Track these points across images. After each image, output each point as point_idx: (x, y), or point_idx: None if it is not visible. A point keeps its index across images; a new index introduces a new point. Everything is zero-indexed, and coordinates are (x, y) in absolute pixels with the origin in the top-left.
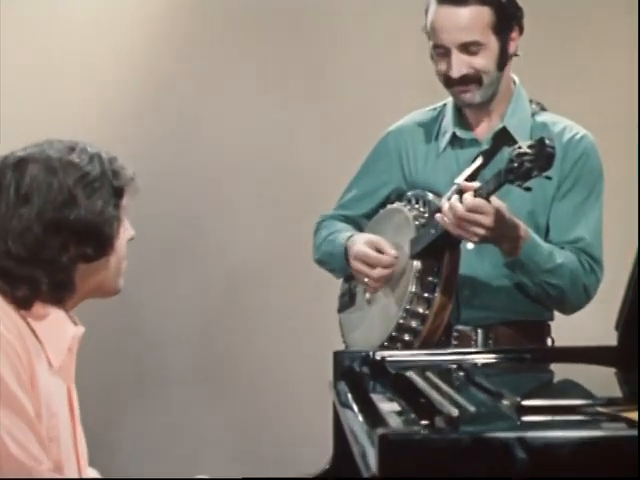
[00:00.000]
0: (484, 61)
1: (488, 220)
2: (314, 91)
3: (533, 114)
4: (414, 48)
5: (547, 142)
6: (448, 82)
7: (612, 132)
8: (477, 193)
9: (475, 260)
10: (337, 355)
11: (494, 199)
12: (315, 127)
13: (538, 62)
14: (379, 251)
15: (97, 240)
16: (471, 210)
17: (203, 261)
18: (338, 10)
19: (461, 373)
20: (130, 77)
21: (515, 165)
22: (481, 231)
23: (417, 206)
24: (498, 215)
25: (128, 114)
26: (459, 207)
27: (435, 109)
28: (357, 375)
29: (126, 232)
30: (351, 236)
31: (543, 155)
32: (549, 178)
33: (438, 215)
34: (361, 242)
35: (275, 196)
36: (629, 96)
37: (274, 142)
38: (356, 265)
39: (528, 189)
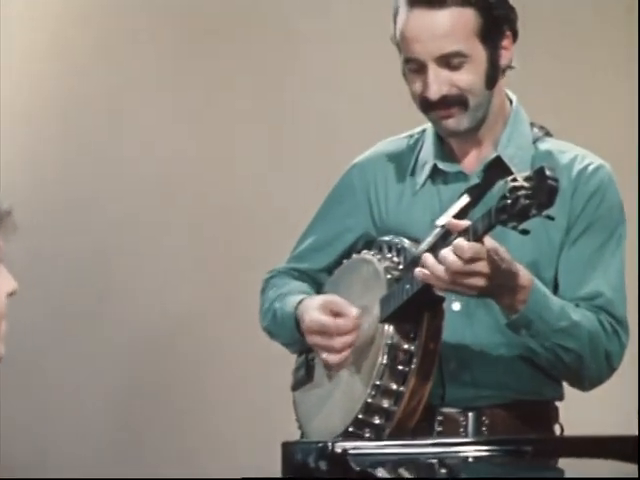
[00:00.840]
0: (469, 77)
1: (486, 267)
2: (262, 112)
3: (535, 141)
4: (387, 61)
5: (548, 173)
6: (425, 105)
7: (614, 163)
8: (465, 235)
9: (463, 323)
10: (287, 447)
11: (487, 240)
12: (263, 157)
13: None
14: (337, 314)
15: None
16: (473, 259)
17: (116, 325)
18: (293, 13)
19: (444, 470)
20: (38, 101)
21: (508, 202)
22: (481, 282)
23: (390, 255)
24: (492, 259)
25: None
26: (453, 259)
27: (411, 136)
28: (312, 473)
29: (5, 283)
30: (302, 301)
31: (543, 189)
32: (551, 218)
33: (418, 271)
34: (313, 308)
35: (212, 243)
36: (630, 121)
37: (211, 174)
38: (312, 340)
39: (525, 232)
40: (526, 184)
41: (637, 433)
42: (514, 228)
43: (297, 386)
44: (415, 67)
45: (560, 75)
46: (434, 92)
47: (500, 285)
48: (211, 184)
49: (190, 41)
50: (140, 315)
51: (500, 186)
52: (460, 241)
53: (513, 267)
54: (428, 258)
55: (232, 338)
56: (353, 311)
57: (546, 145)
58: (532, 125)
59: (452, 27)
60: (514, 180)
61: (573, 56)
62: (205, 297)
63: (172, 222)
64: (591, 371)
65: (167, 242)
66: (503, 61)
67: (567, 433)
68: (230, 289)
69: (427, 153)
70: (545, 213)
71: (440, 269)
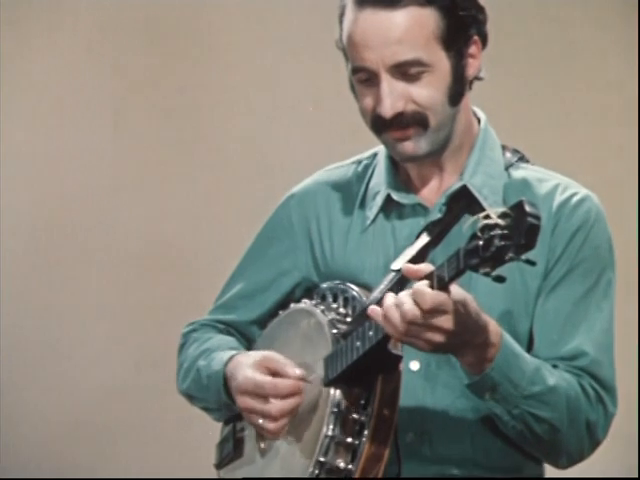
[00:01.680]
0: (429, 91)
1: (449, 322)
2: (188, 137)
3: (508, 167)
4: (330, 73)
5: (528, 208)
6: (377, 124)
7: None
8: (428, 282)
9: (422, 386)
10: None
11: (454, 289)
12: (189, 189)
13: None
14: (275, 374)
15: None
16: (434, 311)
17: (20, 404)
18: (218, 25)
19: None
20: None
21: (480, 244)
22: (440, 338)
23: (335, 305)
24: (458, 313)
25: None
26: (410, 307)
27: (360, 162)
28: None
29: None
30: (233, 357)
31: (522, 228)
32: (532, 263)
33: (372, 309)
34: (247, 365)
35: (133, 288)
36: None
37: (133, 211)
38: (244, 402)
39: (501, 279)
40: (501, 222)
41: (637, 476)
42: (487, 274)
43: (223, 463)
44: (365, 78)
45: (547, 88)
46: (388, 108)
47: (464, 342)
48: (139, 226)
49: (109, 61)
50: (56, 392)
51: (468, 223)
52: (421, 286)
53: (481, 321)
54: (388, 298)
55: (156, 406)
56: (296, 371)
57: (521, 172)
58: (504, 148)
59: (409, 30)
60: (487, 217)
61: (563, 65)
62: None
63: (94, 269)
64: (569, 446)
65: (82, 297)
66: (470, 71)
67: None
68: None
69: (379, 181)
70: (524, 257)
71: (395, 314)
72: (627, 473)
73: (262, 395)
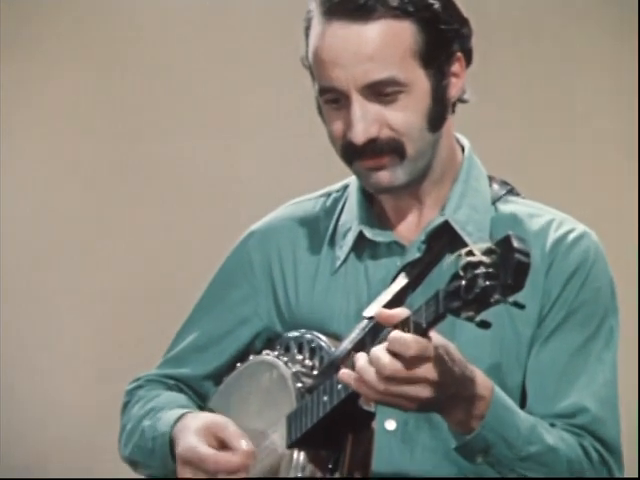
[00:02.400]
0: (406, 114)
1: (433, 372)
2: (140, 164)
3: (495, 200)
4: (294, 99)
5: (515, 244)
6: (348, 152)
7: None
8: (404, 329)
9: (399, 448)
10: None
11: (434, 335)
12: (137, 222)
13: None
14: (222, 444)
15: None
16: (417, 360)
17: None
18: (176, 57)
19: None
20: None
21: (462, 284)
22: (425, 392)
23: (300, 357)
24: (441, 359)
25: None
26: (387, 361)
27: (329, 195)
28: None
29: None
30: (181, 417)
31: (509, 266)
32: (520, 306)
33: (343, 372)
34: (193, 431)
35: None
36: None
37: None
38: (183, 473)
39: (485, 325)
40: (486, 259)
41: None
42: (470, 319)
43: None
44: (334, 98)
45: (540, 111)
46: (360, 134)
47: (451, 397)
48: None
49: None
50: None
51: (449, 260)
52: (398, 333)
53: (468, 371)
54: (361, 358)
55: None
56: (243, 445)
57: (510, 207)
58: (491, 180)
59: (383, 46)
60: (470, 254)
61: (559, 85)
62: None
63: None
64: None
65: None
66: (452, 92)
67: None
68: None
69: (350, 217)
70: (512, 299)
71: (371, 373)
72: (627, 473)
73: (204, 470)
